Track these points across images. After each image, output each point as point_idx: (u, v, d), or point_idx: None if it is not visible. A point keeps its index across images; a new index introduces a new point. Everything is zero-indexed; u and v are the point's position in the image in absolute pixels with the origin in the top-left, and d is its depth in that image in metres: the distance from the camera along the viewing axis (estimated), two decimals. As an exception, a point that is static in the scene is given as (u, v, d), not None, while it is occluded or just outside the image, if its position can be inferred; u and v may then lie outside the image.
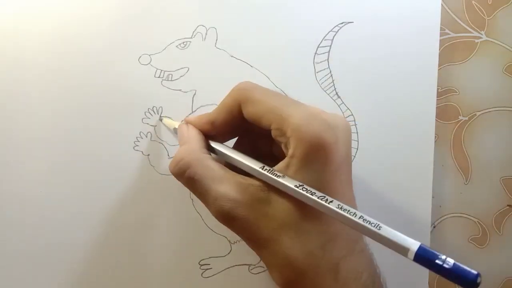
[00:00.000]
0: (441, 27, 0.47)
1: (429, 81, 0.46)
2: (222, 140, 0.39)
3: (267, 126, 0.34)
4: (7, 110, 0.45)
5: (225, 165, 0.35)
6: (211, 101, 0.45)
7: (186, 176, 0.34)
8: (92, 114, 0.45)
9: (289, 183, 0.31)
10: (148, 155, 0.45)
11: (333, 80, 0.46)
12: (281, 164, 0.33)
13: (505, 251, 0.50)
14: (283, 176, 0.32)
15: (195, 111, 0.45)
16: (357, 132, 0.46)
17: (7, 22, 0.45)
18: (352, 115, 0.46)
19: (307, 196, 0.31)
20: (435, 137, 0.47)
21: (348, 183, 0.34)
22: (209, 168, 0.34)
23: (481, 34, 0.48)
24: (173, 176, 0.36)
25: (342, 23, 0.46)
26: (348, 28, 0.46)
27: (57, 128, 0.45)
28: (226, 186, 0.33)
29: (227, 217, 0.33)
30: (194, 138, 0.37)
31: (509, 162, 0.49)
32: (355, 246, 0.33)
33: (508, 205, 0.49)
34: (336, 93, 0.46)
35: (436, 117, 0.47)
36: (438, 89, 0.47)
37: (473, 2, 0.48)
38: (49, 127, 0.45)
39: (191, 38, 0.45)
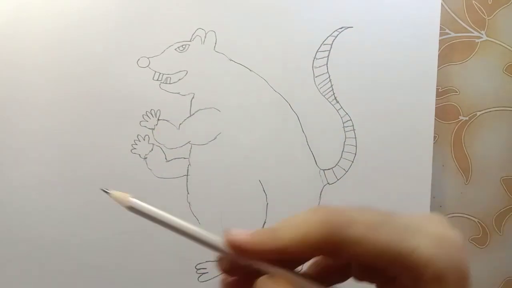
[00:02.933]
0: (441, 27, 0.47)
1: (428, 83, 0.46)
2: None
3: (383, 267, 0.29)
4: (6, 112, 0.45)
5: None
6: (209, 104, 0.45)
7: None
8: (90, 116, 0.45)
9: None
10: (146, 158, 0.45)
11: (332, 85, 0.45)
12: None
13: (506, 251, 0.50)
14: None
15: (193, 114, 0.45)
16: (355, 137, 0.45)
17: (6, 25, 0.45)
18: (350, 120, 0.45)
19: None
20: (436, 137, 0.47)
21: None
22: None
23: (481, 34, 0.48)
24: None
25: (341, 28, 0.46)
26: (347, 33, 0.46)
27: (55, 130, 0.45)
28: None
29: None
30: None
31: (509, 162, 0.49)
32: None
33: (508, 205, 0.49)
34: (335, 98, 0.45)
35: (436, 117, 0.47)
36: (438, 89, 0.47)
37: (473, 2, 0.48)
38: (46, 129, 0.45)
39: (190, 41, 0.45)
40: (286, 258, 0.28)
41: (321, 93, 0.45)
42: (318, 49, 0.46)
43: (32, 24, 0.45)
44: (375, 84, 0.46)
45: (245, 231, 0.29)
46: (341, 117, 0.45)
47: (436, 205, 0.48)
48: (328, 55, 0.46)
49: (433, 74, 0.46)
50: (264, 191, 0.45)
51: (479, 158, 0.49)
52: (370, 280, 0.29)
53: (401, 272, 0.25)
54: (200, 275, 0.45)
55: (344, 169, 0.45)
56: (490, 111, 0.48)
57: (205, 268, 0.45)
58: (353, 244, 0.25)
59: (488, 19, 0.48)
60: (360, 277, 0.29)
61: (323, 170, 0.45)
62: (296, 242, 0.26)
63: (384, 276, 0.27)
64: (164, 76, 0.45)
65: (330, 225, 0.25)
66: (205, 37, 0.45)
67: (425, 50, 0.46)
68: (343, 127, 0.45)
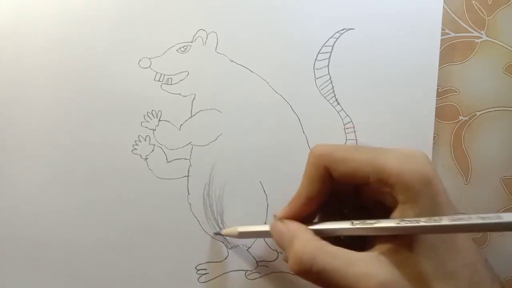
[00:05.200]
0: (441, 27, 0.47)
1: (429, 83, 0.46)
2: (312, 215, 0.37)
3: (364, 180, 0.33)
4: (6, 112, 0.45)
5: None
6: (210, 105, 0.45)
7: (315, 270, 0.31)
8: (91, 117, 0.45)
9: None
10: (147, 159, 0.45)
11: (333, 87, 0.46)
12: (398, 213, 0.32)
13: (506, 251, 0.50)
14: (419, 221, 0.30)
15: (194, 115, 0.45)
16: (356, 139, 0.46)
17: (6, 24, 0.45)
18: (351, 121, 0.46)
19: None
20: (435, 137, 0.47)
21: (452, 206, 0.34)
22: (334, 253, 0.31)
23: (481, 34, 0.48)
24: (299, 277, 0.32)
25: (343, 29, 0.46)
26: (348, 34, 0.46)
27: (56, 130, 0.45)
28: (363, 266, 0.30)
29: None
30: (299, 229, 0.34)
31: (509, 162, 0.49)
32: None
33: (508, 205, 0.49)
34: (336, 100, 0.46)
35: (436, 117, 0.47)
36: (438, 89, 0.47)
37: (473, 2, 0.48)
38: (47, 129, 0.45)
39: (191, 42, 0.45)
40: (317, 202, 0.36)
41: (322, 95, 0.45)
42: (320, 50, 0.46)
43: (32, 24, 0.45)
44: (376, 86, 0.46)
45: (284, 207, 0.38)
46: (342, 119, 0.45)
47: (436, 205, 0.48)
48: (329, 57, 0.46)
49: (434, 75, 0.46)
50: (264, 192, 0.45)
51: (479, 158, 0.49)
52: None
53: (377, 184, 0.33)
54: (200, 276, 0.45)
55: (345, 171, 0.45)
56: (490, 111, 0.48)
57: (205, 269, 0.45)
58: (340, 163, 0.34)
59: (488, 19, 0.48)
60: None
61: (324, 171, 0.45)
62: (312, 186, 0.36)
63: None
64: (166, 77, 0.45)
65: (321, 157, 0.35)
66: (206, 38, 0.45)
67: (426, 51, 0.46)
68: (344, 128, 0.45)
